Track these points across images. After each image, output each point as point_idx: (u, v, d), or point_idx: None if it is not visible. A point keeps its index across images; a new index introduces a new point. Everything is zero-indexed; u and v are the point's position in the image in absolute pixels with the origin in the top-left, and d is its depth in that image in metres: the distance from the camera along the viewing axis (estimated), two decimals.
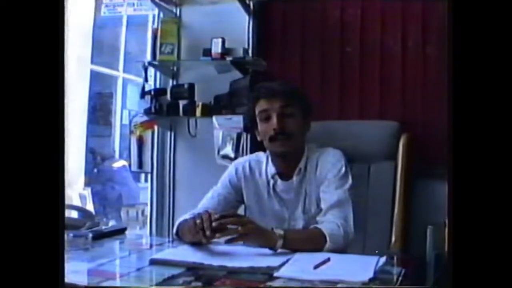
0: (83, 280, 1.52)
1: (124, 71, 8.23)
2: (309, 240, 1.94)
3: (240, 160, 2.45)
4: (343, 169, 2.18)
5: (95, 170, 8.39)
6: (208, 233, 1.80)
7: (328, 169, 2.19)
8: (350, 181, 2.17)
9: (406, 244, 2.58)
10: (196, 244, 1.90)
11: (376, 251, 1.85)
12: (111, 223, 2.02)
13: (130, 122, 3.64)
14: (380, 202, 2.54)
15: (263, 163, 2.31)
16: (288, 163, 2.25)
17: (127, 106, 8.54)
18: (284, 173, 2.26)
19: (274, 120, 2.16)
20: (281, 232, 1.87)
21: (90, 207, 7.38)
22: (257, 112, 2.23)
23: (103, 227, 2.21)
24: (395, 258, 1.71)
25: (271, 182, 2.27)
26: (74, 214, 2.36)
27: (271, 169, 2.27)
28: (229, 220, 1.83)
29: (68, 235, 1.96)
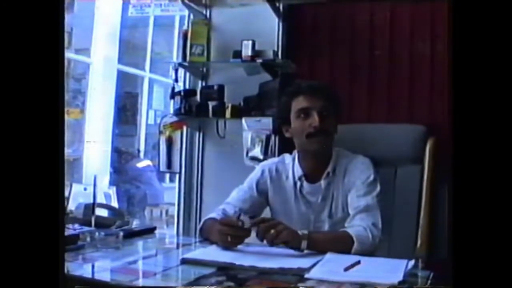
0: (113, 277, 1.55)
1: (150, 71, 8.29)
2: (336, 242, 1.94)
3: (266, 162, 2.43)
4: (372, 176, 2.18)
5: (121, 169, 8.43)
6: (236, 240, 1.86)
7: (357, 176, 2.19)
8: (378, 188, 2.17)
9: (432, 247, 2.57)
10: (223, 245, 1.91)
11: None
12: (136, 222, 2.04)
13: (160, 122, 3.67)
14: (406, 206, 2.54)
15: (290, 165, 2.30)
16: (317, 165, 2.23)
17: (153, 107, 8.60)
18: (311, 175, 2.25)
19: (316, 117, 2.13)
20: (306, 233, 1.86)
21: (114, 206, 7.40)
22: (294, 108, 2.20)
23: (133, 226, 2.22)
24: (421, 261, 1.72)
25: (298, 184, 2.26)
26: (103, 212, 2.36)
27: (298, 171, 2.26)
28: (265, 226, 1.84)
29: (99, 234, 1.99)
